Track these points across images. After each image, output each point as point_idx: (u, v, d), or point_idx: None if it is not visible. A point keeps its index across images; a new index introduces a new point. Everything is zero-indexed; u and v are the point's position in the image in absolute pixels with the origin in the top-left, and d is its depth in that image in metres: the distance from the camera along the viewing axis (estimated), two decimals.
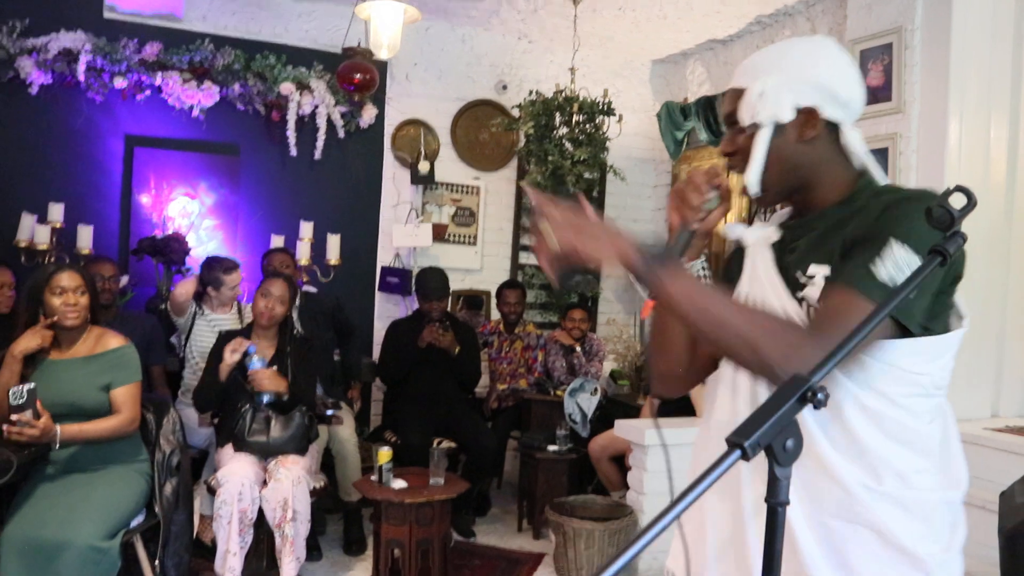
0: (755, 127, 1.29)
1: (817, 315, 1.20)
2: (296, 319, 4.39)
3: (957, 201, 1.05)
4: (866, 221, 1.21)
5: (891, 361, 1.18)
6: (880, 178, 1.31)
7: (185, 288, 4.13)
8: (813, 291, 1.24)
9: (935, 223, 1.04)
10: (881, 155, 4.02)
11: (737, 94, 1.33)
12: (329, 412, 4.17)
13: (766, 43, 5.18)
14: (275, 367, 3.64)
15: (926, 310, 1.17)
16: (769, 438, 0.86)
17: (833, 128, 1.30)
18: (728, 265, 1.48)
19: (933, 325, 1.21)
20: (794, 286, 1.29)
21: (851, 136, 1.30)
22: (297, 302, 4.45)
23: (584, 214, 1.16)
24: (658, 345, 1.43)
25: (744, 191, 1.34)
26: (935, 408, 1.25)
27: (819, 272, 1.25)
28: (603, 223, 1.16)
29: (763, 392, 1.24)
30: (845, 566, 1.21)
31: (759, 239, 1.37)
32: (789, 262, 1.32)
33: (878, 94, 4.09)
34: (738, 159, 1.34)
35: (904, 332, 1.17)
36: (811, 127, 1.28)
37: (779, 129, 1.28)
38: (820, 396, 0.87)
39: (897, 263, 1.13)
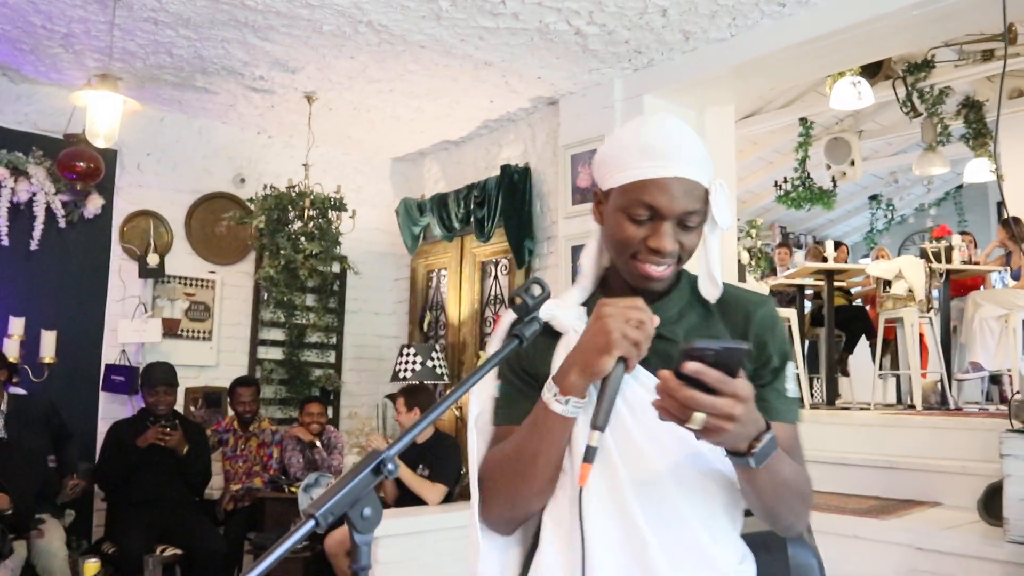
0: (711, 227, 1.27)
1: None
2: (1, 423, 4.04)
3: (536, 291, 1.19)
4: (740, 327, 1.29)
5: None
6: None
7: None
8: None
9: (517, 310, 1.19)
10: None
11: (698, 191, 1.23)
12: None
13: (494, 145, 5.57)
14: None
15: None
16: (344, 507, 0.95)
17: None
18: (527, 350, 1.25)
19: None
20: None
21: None
22: (3, 406, 4.10)
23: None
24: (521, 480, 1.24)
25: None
26: None
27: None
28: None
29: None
30: None
31: (576, 321, 1.27)
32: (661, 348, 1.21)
33: (586, 194, 4.56)
34: (674, 258, 1.25)
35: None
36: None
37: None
38: (390, 467, 0.99)
39: (793, 378, 1.29)
